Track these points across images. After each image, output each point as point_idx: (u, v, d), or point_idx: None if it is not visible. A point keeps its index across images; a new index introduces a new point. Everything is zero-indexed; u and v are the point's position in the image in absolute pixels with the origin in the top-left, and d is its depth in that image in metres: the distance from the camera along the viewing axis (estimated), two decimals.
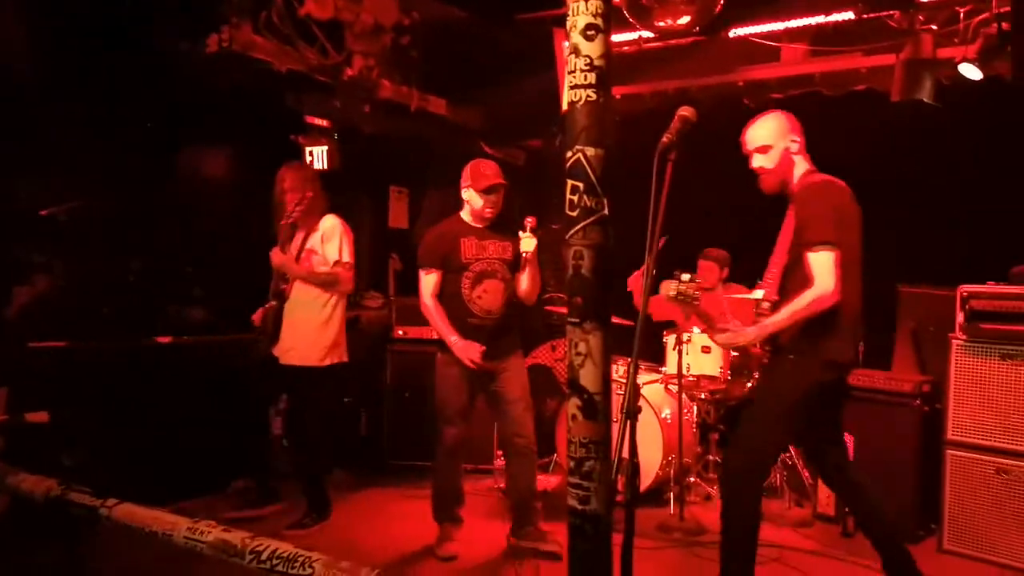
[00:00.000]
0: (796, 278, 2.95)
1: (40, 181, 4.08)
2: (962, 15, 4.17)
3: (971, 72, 4.06)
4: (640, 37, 4.93)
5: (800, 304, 2.84)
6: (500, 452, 5.15)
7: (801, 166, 3.10)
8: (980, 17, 4.11)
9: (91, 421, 3.83)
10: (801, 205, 2.96)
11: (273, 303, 4.16)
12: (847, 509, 3.88)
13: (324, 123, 5.08)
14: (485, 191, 3.79)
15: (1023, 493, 3.60)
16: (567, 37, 1.10)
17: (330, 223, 4.12)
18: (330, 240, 4.09)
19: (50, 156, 4.08)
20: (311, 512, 4.15)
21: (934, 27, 4.22)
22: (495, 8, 5.25)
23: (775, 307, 3.00)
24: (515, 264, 3.86)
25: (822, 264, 2.82)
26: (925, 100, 4.12)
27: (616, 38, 5.10)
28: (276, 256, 4.04)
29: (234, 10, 4.02)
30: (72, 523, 2.09)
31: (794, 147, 3.07)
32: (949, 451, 3.85)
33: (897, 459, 4.05)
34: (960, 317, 3.82)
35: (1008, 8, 3.94)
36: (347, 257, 4.13)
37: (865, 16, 4.41)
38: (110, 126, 4.30)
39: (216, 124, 4.72)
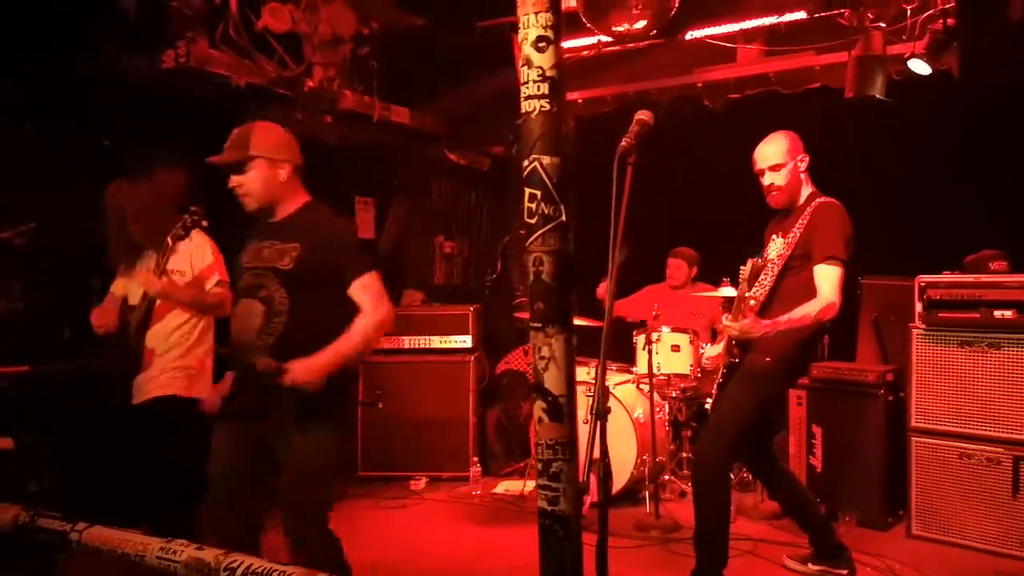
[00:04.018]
0: (794, 285, 3.16)
1: None
2: (909, 12, 4.30)
3: (920, 67, 4.17)
4: (599, 41, 5.00)
5: (808, 311, 3.03)
6: (476, 459, 5.17)
7: (808, 184, 3.32)
8: (927, 14, 4.24)
9: (56, 446, 3.75)
10: (819, 220, 3.16)
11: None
12: (771, 495, 3.97)
13: None
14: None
15: (986, 476, 3.70)
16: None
17: (199, 239, 3.46)
18: (204, 257, 3.48)
19: (2, 178, 4.00)
20: None
21: (883, 24, 4.33)
22: (455, 15, 5.28)
23: (763, 309, 3.18)
24: (303, 278, 2.55)
25: (831, 278, 3.06)
26: (877, 96, 4.23)
27: (575, 43, 5.16)
28: (155, 282, 3.21)
29: (189, 25, 3.98)
30: (42, 550, 2.06)
31: (802, 166, 3.29)
32: (914, 438, 3.94)
33: (865, 448, 4.14)
34: (919, 306, 3.91)
35: (953, 4, 4.07)
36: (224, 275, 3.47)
37: (816, 15, 4.52)
38: (65, 145, 4.23)
39: (175, 141, 4.66)
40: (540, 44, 1.12)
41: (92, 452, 3.90)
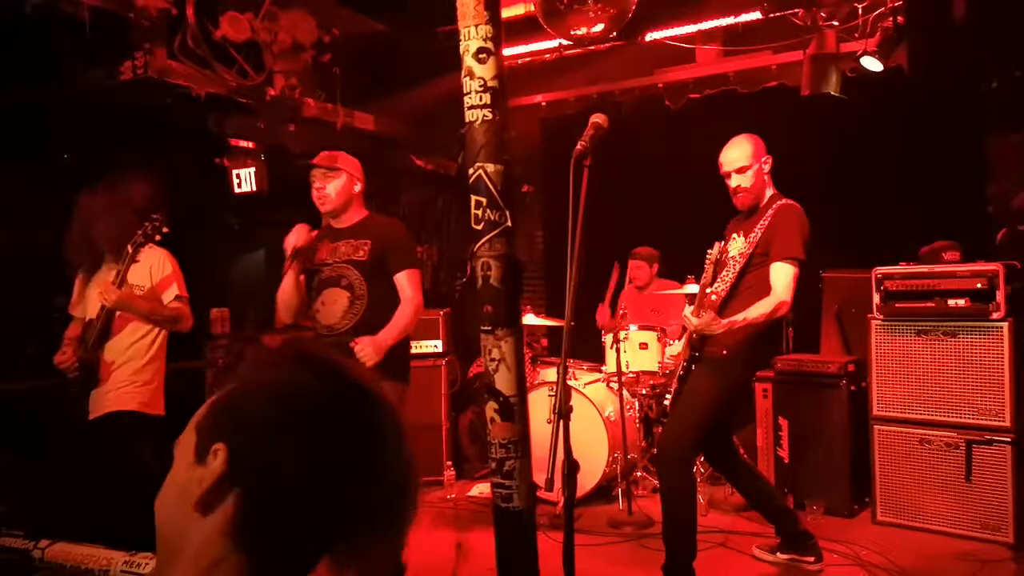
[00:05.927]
0: (753, 282, 3.26)
1: None
2: (860, 10, 4.40)
3: (872, 64, 4.28)
4: (560, 44, 5.04)
5: (762, 309, 3.14)
6: (449, 463, 5.18)
7: (770, 186, 3.43)
8: (877, 12, 4.35)
9: (19, 463, 3.70)
10: (780, 222, 3.27)
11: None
12: (735, 489, 4.05)
13: (250, 144, 5.03)
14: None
15: (945, 461, 3.80)
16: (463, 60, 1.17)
17: (158, 253, 3.44)
18: (163, 271, 3.44)
19: None
20: None
21: (836, 23, 4.43)
22: (416, 21, 5.29)
23: (725, 304, 3.28)
24: (375, 267, 3.16)
25: (786, 276, 3.17)
26: (832, 93, 4.33)
27: (536, 46, 5.20)
28: (113, 292, 3.25)
29: (146, 36, 3.96)
30: (6, 570, 2.04)
31: (766, 167, 3.40)
32: (876, 426, 4.03)
33: (830, 438, 4.22)
34: (876, 298, 4.00)
35: (902, 2, 4.18)
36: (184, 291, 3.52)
37: (771, 15, 4.62)
38: (25, 158, 4.18)
39: (138, 151, 4.63)
40: (481, 56, 1.15)
41: (55, 469, 3.85)
